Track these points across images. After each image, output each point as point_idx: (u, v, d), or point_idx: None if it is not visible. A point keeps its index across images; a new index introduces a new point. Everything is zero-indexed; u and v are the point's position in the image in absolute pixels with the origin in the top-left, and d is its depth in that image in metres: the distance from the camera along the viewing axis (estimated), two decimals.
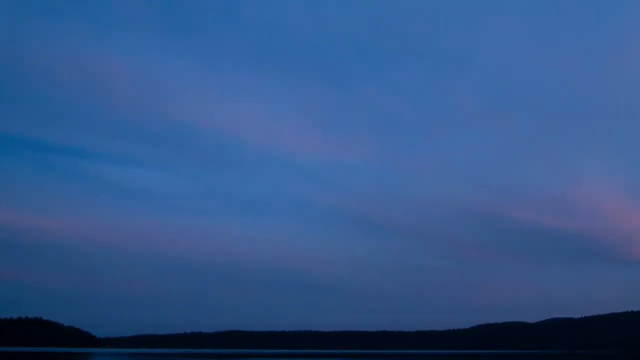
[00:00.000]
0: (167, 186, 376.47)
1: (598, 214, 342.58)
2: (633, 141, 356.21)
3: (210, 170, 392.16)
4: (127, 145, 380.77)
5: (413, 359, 70.33)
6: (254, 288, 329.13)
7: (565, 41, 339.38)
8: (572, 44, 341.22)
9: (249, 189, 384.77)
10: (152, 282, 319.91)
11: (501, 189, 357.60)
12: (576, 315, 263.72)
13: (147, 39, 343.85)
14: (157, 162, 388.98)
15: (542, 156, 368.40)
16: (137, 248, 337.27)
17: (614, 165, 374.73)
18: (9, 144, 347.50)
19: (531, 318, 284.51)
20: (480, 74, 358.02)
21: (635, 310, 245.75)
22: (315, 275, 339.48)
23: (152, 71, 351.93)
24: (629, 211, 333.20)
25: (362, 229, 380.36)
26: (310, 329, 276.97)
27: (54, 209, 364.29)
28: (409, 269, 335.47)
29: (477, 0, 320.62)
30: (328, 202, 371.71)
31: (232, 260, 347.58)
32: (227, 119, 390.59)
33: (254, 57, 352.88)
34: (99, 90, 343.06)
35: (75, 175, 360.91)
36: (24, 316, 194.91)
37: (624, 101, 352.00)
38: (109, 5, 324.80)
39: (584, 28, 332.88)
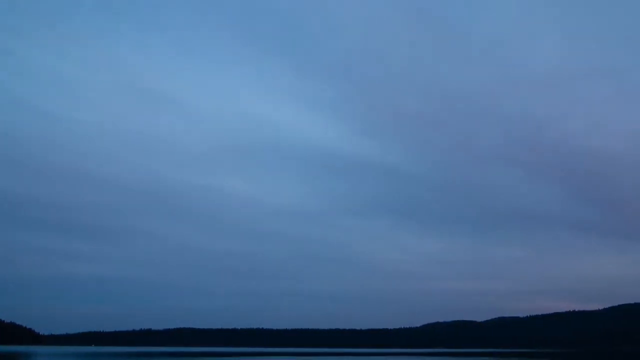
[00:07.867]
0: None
1: None
2: None
3: None
4: None
5: (368, 358, 71.01)
6: (205, 284, 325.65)
7: None
8: None
9: None
10: (103, 276, 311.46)
11: None
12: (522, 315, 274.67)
13: None
14: None
15: None
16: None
17: None
18: None
19: (479, 317, 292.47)
20: None
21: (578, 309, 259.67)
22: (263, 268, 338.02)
23: None
24: None
25: None
26: (262, 326, 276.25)
27: None
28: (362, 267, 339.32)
29: None
30: None
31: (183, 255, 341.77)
32: None
33: None
34: None
35: None
36: None
37: None
38: None
39: None
